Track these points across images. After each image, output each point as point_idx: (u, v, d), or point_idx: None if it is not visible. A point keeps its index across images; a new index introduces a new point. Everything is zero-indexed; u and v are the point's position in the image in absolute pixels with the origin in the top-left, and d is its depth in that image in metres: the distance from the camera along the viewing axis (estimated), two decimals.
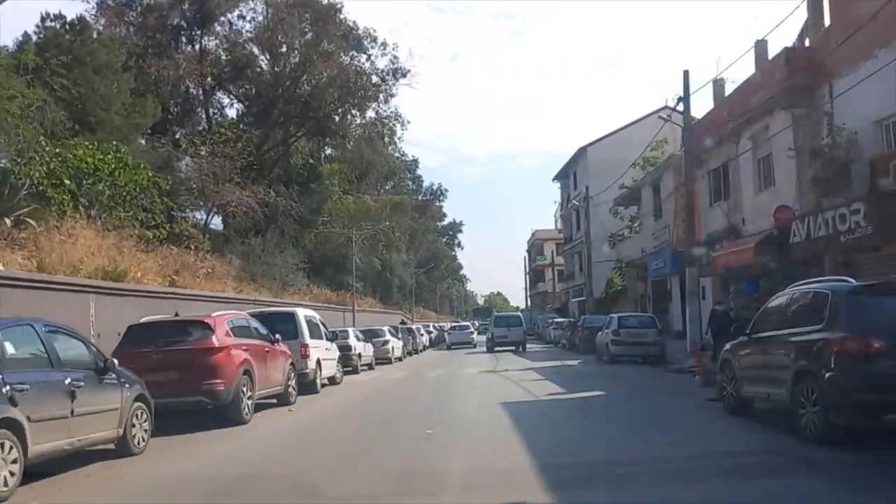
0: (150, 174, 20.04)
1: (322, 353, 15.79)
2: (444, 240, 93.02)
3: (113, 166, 18.51)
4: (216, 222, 33.69)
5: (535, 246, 75.33)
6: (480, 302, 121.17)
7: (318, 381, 15.12)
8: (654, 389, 14.13)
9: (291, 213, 31.24)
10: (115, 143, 19.81)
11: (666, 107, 36.06)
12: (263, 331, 12.42)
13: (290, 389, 12.98)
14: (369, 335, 25.93)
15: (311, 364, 14.81)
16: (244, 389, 10.53)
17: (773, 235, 17.85)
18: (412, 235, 64.64)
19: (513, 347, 31.81)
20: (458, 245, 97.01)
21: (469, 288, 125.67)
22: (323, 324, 16.93)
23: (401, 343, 29.95)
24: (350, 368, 21.11)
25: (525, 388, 14.89)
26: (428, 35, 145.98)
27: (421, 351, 37.21)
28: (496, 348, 32.09)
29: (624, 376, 17.24)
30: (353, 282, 38.60)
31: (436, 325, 58.02)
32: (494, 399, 12.58)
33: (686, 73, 23.12)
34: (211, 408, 10.31)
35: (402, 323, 42.43)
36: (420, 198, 76.98)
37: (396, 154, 61.65)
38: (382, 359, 26.24)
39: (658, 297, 31.36)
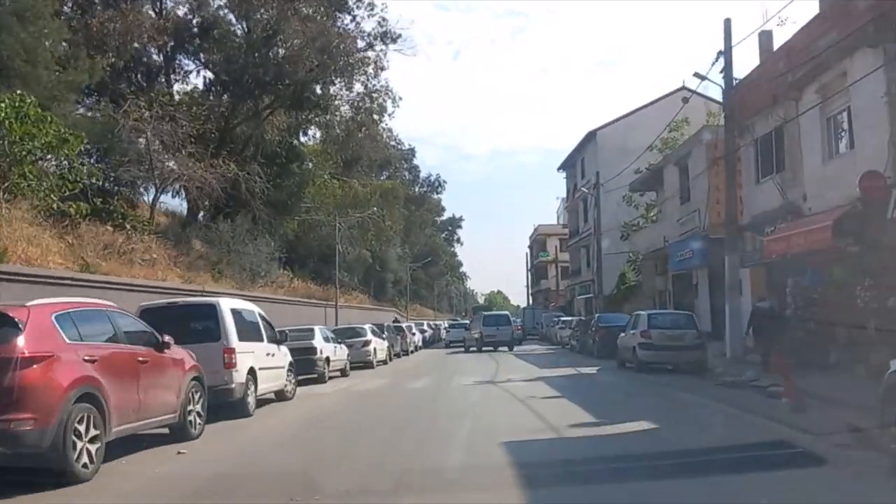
0: (61, 129, 15.81)
1: (260, 361, 11.52)
2: (444, 235, 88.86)
3: (3, 115, 14.29)
4: (182, 205, 29.83)
5: (538, 242, 72.34)
6: (481, 300, 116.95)
7: (249, 399, 10.88)
8: (725, 420, 9.78)
9: (261, 194, 27.06)
10: (19, 92, 15.66)
11: (684, 87, 32.52)
12: (144, 330, 8.23)
13: (192, 417, 8.75)
14: (346, 335, 22.22)
15: (239, 376, 10.54)
16: (80, 427, 6.34)
17: (857, 211, 13.85)
18: (408, 228, 60.56)
19: (505, 347, 31.03)
20: (458, 241, 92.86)
21: (469, 286, 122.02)
22: (264, 319, 12.58)
23: (385, 344, 26.00)
24: (315, 376, 17.23)
25: (536, 411, 10.73)
26: (430, 33, 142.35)
27: (412, 352, 33.94)
28: (484, 348, 31.12)
29: (666, 393, 13.08)
30: (336, 274, 34.65)
31: (431, 323, 54.42)
32: (494, 434, 8.39)
33: (728, 22, 19.53)
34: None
35: (396, 321, 38.96)
36: (417, 189, 72.84)
37: (392, 142, 57.70)
38: (361, 363, 22.44)
39: (680, 293, 27.80)
